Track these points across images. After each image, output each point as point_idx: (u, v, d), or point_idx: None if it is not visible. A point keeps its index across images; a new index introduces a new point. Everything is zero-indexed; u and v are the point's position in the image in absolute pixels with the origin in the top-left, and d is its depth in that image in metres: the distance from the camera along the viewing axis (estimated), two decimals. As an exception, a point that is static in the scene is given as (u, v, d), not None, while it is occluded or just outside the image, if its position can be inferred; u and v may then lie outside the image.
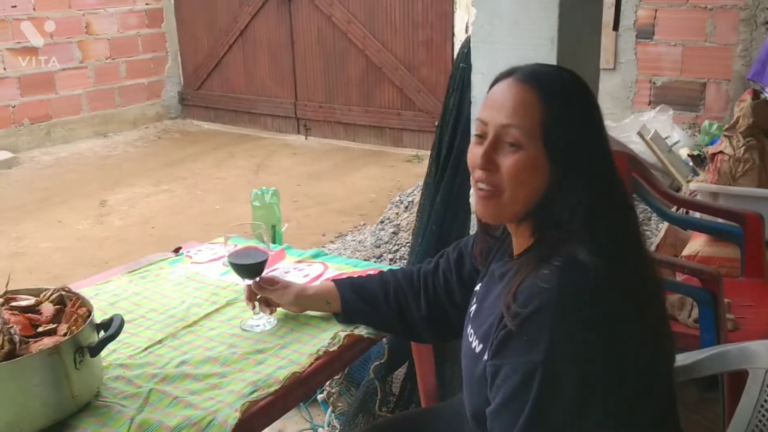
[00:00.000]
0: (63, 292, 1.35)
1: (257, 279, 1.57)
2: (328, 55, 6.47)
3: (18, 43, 6.23)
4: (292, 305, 1.58)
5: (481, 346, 1.21)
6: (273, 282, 1.60)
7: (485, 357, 1.15)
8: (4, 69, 6.18)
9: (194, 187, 5.44)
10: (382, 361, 2.15)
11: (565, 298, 1.04)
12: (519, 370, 1.05)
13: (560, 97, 1.15)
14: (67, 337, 1.22)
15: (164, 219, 4.79)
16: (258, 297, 1.58)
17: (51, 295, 1.35)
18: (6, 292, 1.35)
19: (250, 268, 1.55)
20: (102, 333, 1.29)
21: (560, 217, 1.12)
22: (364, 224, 4.42)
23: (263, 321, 1.57)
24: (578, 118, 1.15)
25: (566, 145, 1.12)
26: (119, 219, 4.82)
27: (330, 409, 2.48)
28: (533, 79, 1.16)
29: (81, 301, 1.33)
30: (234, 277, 1.79)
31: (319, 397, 2.51)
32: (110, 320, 1.30)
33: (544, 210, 1.15)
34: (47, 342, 1.23)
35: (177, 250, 2.03)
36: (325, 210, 4.84)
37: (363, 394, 2.25)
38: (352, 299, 1.55)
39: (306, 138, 6.77)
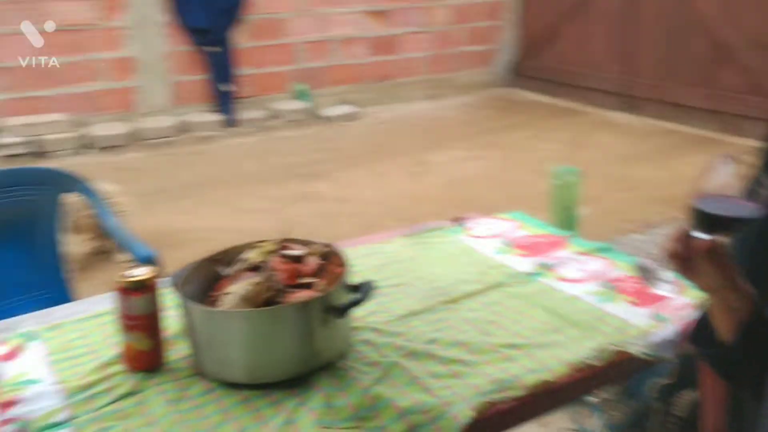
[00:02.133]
0: (328, 248, 1.37)
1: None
2: (669, 30, 5.86)
3: (372, 6, 6.74)
4: None
5: None
6: None
7: None
8: (358, 30, 6.75)
9: (508, 157, 5.40)
10: (665, 381, 1.86)
11: None
12: None
13: None
14: (317, 295, 1.23)
15: (473, 184, 4.84)
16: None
17: (318, 249, 1.38)
18: (285, 239, 1.41)
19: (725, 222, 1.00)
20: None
21: None
22: (679, 218, 3.93)
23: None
24: None
25: None
26: (434, 179, 4.99)
27: (602, 416, 2.25)
28: None
29: (340, 260, 1.33)
30: (506, 258, 1.68)
31: (591, 399, 2.29)
32: (362, 284, 1.28)
33: None
34: (302, 295, 1.26)
35: (457, 220, 1.97)
36: (636, 196, 4.43)
37: (638, 411, 1.98)
38: None
39: (631, 116, 6.27)
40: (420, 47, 7.10)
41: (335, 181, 4.93)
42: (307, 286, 1.30)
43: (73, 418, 1.15)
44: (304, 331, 1.20)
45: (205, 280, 1.36)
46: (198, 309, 1.20)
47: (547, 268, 1.65)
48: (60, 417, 1.16)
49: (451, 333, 1.39)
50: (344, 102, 6.70)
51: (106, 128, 5.65)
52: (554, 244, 1.77)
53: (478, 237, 1.85)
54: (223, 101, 6.06)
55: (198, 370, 1.26)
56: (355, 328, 1.39)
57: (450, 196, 4.62)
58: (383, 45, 6.91)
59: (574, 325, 1.40)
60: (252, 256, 1.35)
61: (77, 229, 3.53)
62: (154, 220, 4.18)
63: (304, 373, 1.23)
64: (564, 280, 1.60)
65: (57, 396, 1.21)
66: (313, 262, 1.34)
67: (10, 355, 1.34)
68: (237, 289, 1.24)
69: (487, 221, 1.96)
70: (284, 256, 1.35)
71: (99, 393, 1.21)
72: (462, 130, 6.20)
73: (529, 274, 1.63)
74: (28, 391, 1.23)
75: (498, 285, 1.58)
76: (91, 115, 5.71)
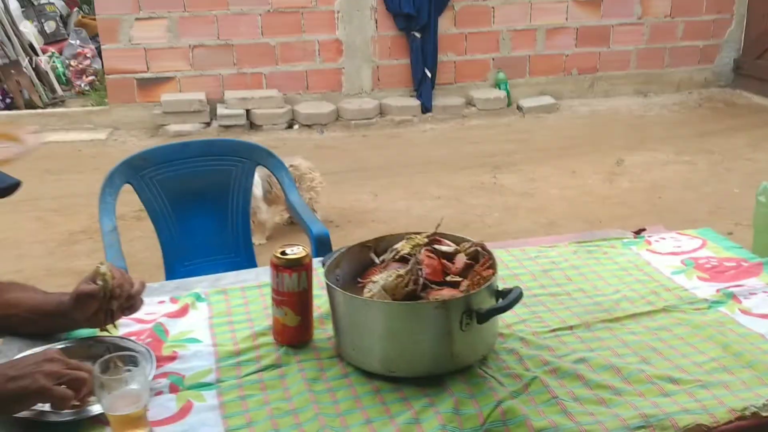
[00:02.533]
0: (479, 248, 1.32)
1: None
2: None
3: (584, -5, 6.45)
4: None
5: None
6: None
7: None
8: (566, 19, 6.49)
9: (719, 164, 4.92)
10: None
11: None
12: None
13: None
14: (459, 295, 1.19)
15: (674, 191, 4.47)
16: None
17: (468, 248, 1.33)
18: (435, 233, 1.38)
19: None
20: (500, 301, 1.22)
21: None
22: None
23: None
24: None
25: None
26: (629, 181, 4.68)
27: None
28: None
29: (490, 262, 1.28)
30: (684, 280, 1.52)
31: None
32: (510, 290, 1.22)
33: None
34: (444, 293, 1.22)
35: (639, 232, 1.82)
36: None
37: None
38: None
39: None
40: (632, 40, 6.66)
41: (522, 175, 4.81)
42: (454, 285, 1.27)
43: (220, 381, 1.23)
44: (442, 331, 1.17)
45: (359, 265, 1.38)
46: (339, 294, 1.22)
47: (730, 297, 1.47)
48: (208, 378, 1.23)
49: (605, 355, 1.29)
50: (543, 93, 6.49)
51: (311, 107, 5.98)
52: (744, 272, 1.57)
53: (657, 253, 1.69)
54: (423, 87, 6.14)
55: (338, 353, 1.28)
56: (502, 335, 1.34)
57: (644, 202, 4.32)
58: (592, 36, 6.57)
59: (749, 366, 1.23)
60: (402, 246, 1.34)
61: (271, 201, 3.78)
62: (342, 198, 4.36)
63: (439, 373, 1.20)
64: (748, 313, 1.42)
65: (211, 358, 1.29)
66: (460, 260, 1.30)
67: (179, 313, 1.45)
68: (381, 278, 1.24)
69: (673, 236, 1.79)
70: (433, 251, 1.32)
71: (246, 361, 1.28)
72: (669, 131, 5.75)
73: (708, 302, 1.46)
74: (189, 349, 1.32)
75: (668, 309, 1.44)
76: (299, 94, 6.07)
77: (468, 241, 1.36)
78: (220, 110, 5.74)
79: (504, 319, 1.38)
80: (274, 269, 1.27)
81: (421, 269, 1.25)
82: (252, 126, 5.78)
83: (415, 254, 1.30)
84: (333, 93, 6.13)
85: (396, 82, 6.21)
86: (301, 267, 1.27)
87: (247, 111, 5.77)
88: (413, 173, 4.88)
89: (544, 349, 1.30)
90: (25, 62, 6.13)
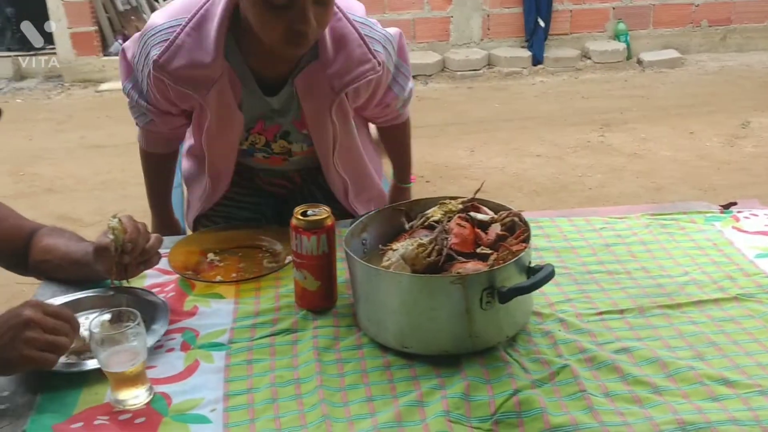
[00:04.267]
0: (515, 218, 1.19)
1: None
2: None
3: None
4: None
5: None
6: None
7: None
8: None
9: None
10: None
11: None
12: None
13: None
14: (480, 271, 1.07)
15: (805, 160, 4.02)
16: None
17: (505, 217, 1.21)
18: (473, 199, 1.26)
19: None
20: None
21: None
22: None
23: None
24: None
25: None
26: (753, 146, 4.25)
27: None
28: None
29: (525, 235, 1.15)
30: None
31: None
32: (541, 268, 1.09)
33: None
34: (468, 267, 1.11)
35: (728, 207, 1.60)
36: None
37: None
38: None
39: None
40: (775, -12, 6.01)
41: (633, 134, 4.48)
42: (484, 258, 1.15)
43: (231, 342, 1.19)
44: (459, 309, 1.06)
45: (390, 230, 1.29)
46: (354, 261, 1.13)
47: (822, 289, 1.26)
48: (221, 338, 1.19)
49: (654, 346, 1.14)
50: (667, 46, 6.00)
51: (416, 56, 5.82)
52: None
53: (743, 231, 1.49)
54: (535, 37, 5.83)
55: (356, 322, 1.21)
56: (540, 315, 1.21)
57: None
58: (728, -17, 5.98)
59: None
60: (434, 212, 1.24)
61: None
62: (437, 152, 4.24)
63: (456, 353, 1.10)
64: (840, 310, 1.21)
65: (229, 316, 1.26)
66: (493, 231, 1.18)
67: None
68: (401, 246, 1.14)
69: (765, 213, 1.57)
70: (467, 219, 1.21)
71: (262, 323, 1.23)
72: (810, 91, 5.17)
73: (793, 293, 1.26)
74: (211, 306, 1.29)
75: (742, 298, 1.25)
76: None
77: (507, 209, 1.23)
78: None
79: (548, 297, 1.26)
80: (293, 230, 1.20)
81: (447, 238, 1.14)
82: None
83: (444, 221, 1.19)
84: (439, 43, 5.95)
85: (506, 32, 5.94)
86: (320, 229, 1.19)
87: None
88: (515, 128, 4.67)
89: (585, 334, 1.17)
90: (145, 8, 6.35)
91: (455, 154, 4.28)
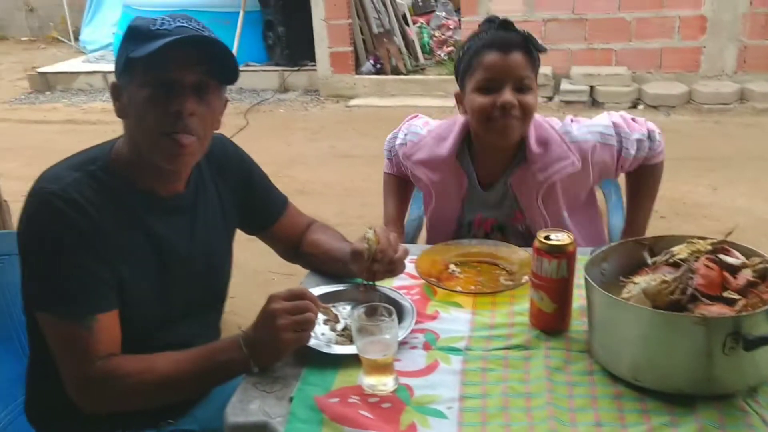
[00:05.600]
0: (768, 266, 1.15)
1: None
2: None
3: None
4: None
5: None
6: None
7: None
8: None
9: None
10: None
11: None
12: None
13: None
14: (728, 315, 1.06)
15: None
16: None
17: (759, 263, 1.17)
18: (723, 241, 1.24)
19: None
20: (781, 331, 1.06)
21: None
22: None
23: None
24: None
25: None
26: None
27: None
28: None
29: (778, 285, 1.11)
30: None
31: None
32: (795, 321, 1.05)
33: None
34: (713, 310, 1.10)
35: None
36: None
37: None
38: None
39: None
40: None
41: None
42: (731, 302, 1.13)
43: (468, 349, 1.29)
44: (700, 351, 1.06)
45: (630, 262, 1.31)
46: (594, 290, 1.17)
47: None
48: (459, 344, 1.30)
49: None
50: None
51: (661, 87, 5.59)
52: None
53: None
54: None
55: (588, 349, 1.25)
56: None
57: None
58: None
59: None
60: (680, 250, 1.24)
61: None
62: (676, 187, 4.04)
63: (691, 393, 1.09)
64: None
65: (467, 325, 1.36)
66: (744, 276, 1.15)
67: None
68: (643, 281, 1.16)
69: None
70: (715, 261, 1.19)
71: (497, 336, 1.31)
72: None
73: None
74: (450, 313, 1.40)
75: None
76: (649, 72, 5.72)
77: (761, 255, 1.19)
78: (564, 85, 5.69)
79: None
80: (536, 252, 1.28)
81: (692, 278, 1.14)
82: (594, 103, 5.63)
83: (690, 261, 1.19)
84: (687, 74, 5.65)
85: (765, 65, 5.48)
86: (562, 254, 1.25)
87: (591, 87, 5.62)
88: (766, 168, 4.30)
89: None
90: (396, 32, 6.79)
91: (695, 190, 4.05)
